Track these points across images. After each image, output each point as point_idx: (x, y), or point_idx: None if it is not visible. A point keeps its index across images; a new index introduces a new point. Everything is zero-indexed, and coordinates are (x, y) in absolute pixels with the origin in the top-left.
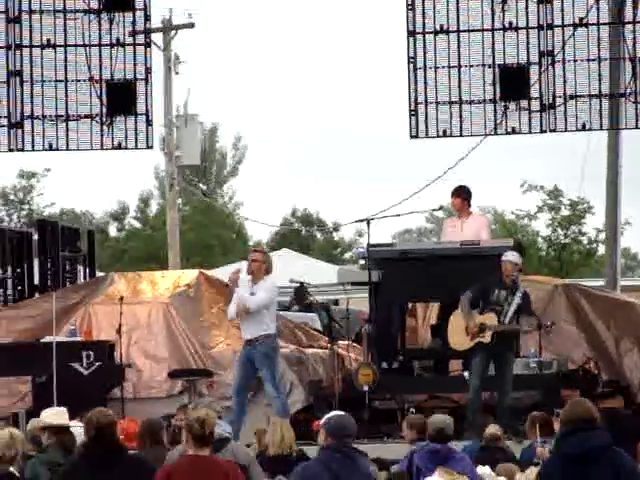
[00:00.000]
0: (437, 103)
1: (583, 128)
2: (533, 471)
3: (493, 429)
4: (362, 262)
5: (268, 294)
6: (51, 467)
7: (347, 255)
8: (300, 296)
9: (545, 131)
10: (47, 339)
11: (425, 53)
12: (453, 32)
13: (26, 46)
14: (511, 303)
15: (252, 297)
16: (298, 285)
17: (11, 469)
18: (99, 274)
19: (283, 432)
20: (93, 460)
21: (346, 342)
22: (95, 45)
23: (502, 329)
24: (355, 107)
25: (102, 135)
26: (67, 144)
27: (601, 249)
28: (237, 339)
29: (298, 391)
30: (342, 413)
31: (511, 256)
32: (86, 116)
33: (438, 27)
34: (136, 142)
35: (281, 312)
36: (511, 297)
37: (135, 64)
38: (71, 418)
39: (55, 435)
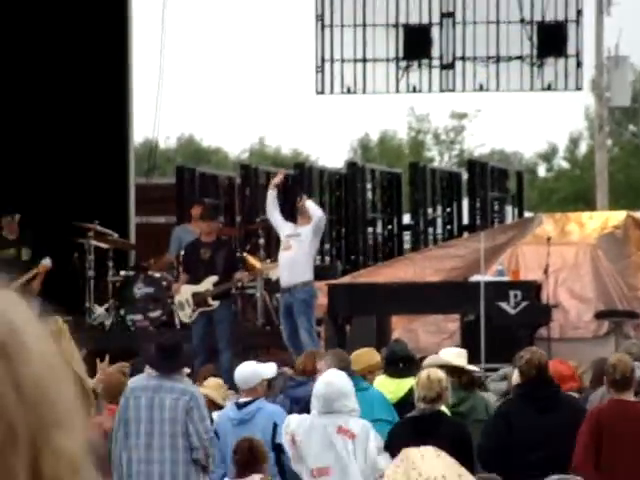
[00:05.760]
0: None
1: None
2: None
3: None
4: None
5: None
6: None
7: None
8: None
9: None
10: (475, 278)
11: None
12: None
13: None
14: None
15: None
16: None
17: (441, 409)
18: (527, 215)
19: None
20: (534, 399)
21: None
22: None
23: None
24: None
25: (532, 76)
26: (497, 85)
27: None
28: None
29: None
30: None
31: None
32: (517, 57)
33: None
34: (566, 83)
35: None
36: None
37: (566, 5)
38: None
39: (451, 374)
